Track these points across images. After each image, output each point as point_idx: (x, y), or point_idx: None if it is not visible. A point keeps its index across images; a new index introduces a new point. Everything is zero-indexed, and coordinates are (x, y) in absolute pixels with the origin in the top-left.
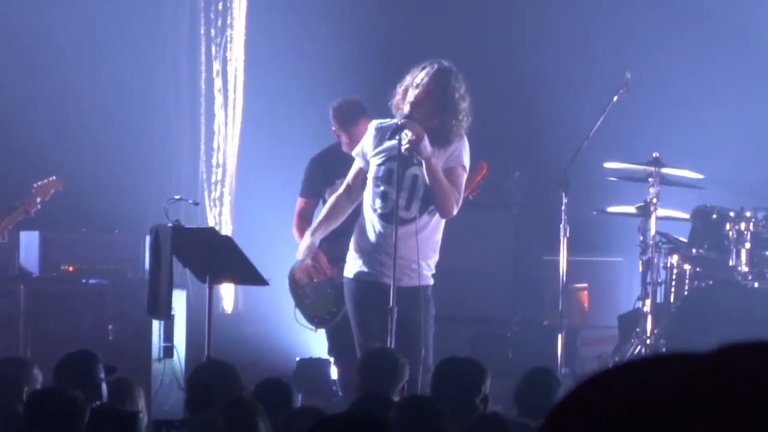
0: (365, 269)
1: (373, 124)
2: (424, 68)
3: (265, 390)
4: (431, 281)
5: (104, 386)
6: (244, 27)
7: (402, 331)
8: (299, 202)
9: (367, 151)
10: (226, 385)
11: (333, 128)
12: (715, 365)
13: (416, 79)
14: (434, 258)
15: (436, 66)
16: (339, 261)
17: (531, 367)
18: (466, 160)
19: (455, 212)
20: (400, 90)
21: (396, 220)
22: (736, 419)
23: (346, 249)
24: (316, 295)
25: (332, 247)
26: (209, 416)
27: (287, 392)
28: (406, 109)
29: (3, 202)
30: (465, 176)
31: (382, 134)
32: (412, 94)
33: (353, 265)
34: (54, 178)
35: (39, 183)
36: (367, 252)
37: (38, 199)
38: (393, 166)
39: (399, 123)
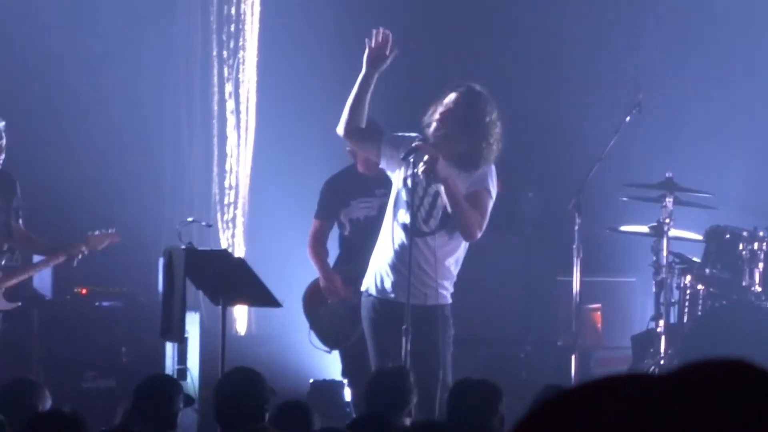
0: (383, 286)
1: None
2: (455, 92)
3: (283, 413)
4: (450, 300)
5: (179, 416)
6: (256, 48)
7: (419, 351)
8: (314, 224)
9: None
10: (254, 393)
11: (347, 148)
12: (672, 387)
13: (446, 99)
14: (451, 278)
15: (468, 87)
16: (354, 282)
17: (544, 386)
18: (492, 186)
19: (479, 235)
20: (432, 108)
21: (408, 236)
22: None
23: (360, 271)
24: (330, 317)
25: (346, 269)
26: None
27: (306, 414)
28: (434, 123)
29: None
30: (490, 201)
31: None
32: (441, 109)
33: (371, 282)
34: (113, 230)
35: (95, 232)
36: (386, 266)
37: (86, 250)
38: (414, 185)
39: (414, 145)
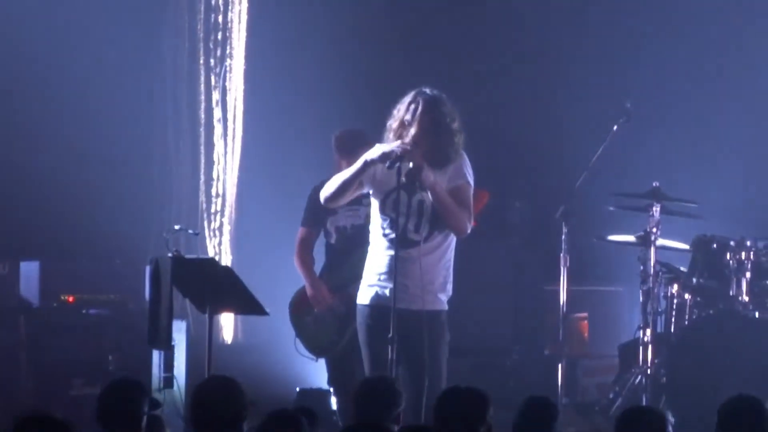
0: (378, 294)
1: (377, 148)
2: (412, 102)
3: (274, 422)
4: (445, 306)
5: (144, 420)
6: (243, 57)
7: (409, 358)
8: (301, 231)
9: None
10: (230, 402)
11: (335, 157)
12: None
13: (407, 115)
14: (450, 279)
15: (423, 99)
16: (340, 290)
17: (528, 396)
18: (470, 176)
19: (469, 229)
20: (393, 126)
21: (399, 242)
22: None
23: (347, 279)
24: (316, 325)
25: (332, 277)
26: None
27: (297, 424)
28: (404, 138)
29: None
30: (471, 191)
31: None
32: (409, 134)
33: (366, 291)
34: None
35: None
36: (380, 278)
37: None
38: (399, 195)
39: (398, 152)
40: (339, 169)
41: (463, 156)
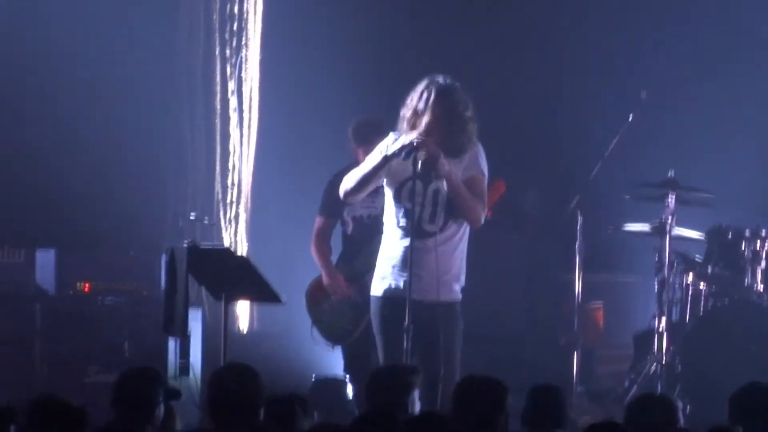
0: (392, 285)
1: (391, 136)
2: (424, 91)
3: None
4: (459, 296)
5: (161, 408)
6: (258, 46)
7: (424, 348)
8: (318, 220)
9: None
10: (246, 390)
11: (352, 146)
12: None
13: (419, 104)
14: (463, 269)
15: (436, 88)
16: (357, 279)
17: (531, 387)
18: (484, 166)
19: (483, 219)
20: (406, 114)
21: (415, 233)
22: None
23: (363, 268)
24: (333, 313)
25: (349, 266)
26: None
27: (294, 409)
28: (418, 129)
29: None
30: (486, 181)
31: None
32: (422, 123)
33: (381, 282)
34: None
35: None
36: (394, 269)
37: None
38: (414, 185)
39: (414, 143)
40: (356, 158)
41: (478, 146)
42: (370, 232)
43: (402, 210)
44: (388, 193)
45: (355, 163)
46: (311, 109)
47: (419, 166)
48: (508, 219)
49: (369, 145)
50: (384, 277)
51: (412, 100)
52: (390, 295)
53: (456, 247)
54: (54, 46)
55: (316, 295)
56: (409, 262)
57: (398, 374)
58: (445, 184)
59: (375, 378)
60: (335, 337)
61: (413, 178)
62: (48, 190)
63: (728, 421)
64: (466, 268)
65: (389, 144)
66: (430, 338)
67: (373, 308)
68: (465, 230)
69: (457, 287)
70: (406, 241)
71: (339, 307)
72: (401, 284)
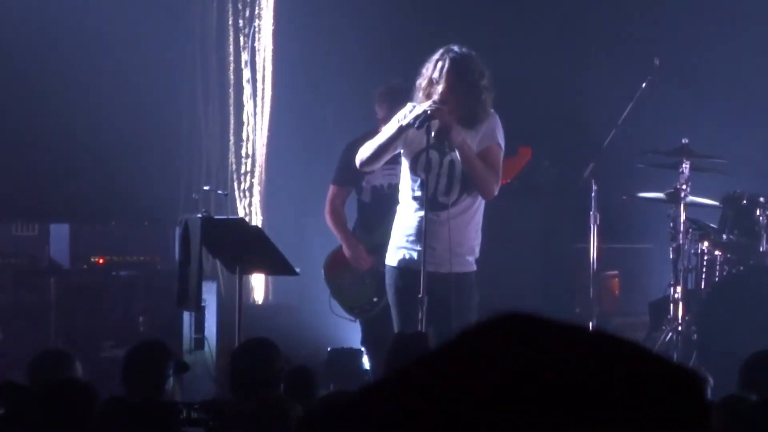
0: (407, 257)
1: (408, 106)
2: (439, 60)
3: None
4: (474, 267)
5: (170, 382)
6: (272, 17)
7: (444, 317)
8: (332, 189)
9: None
10: (269, 364)
11: (379, 114)
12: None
13: (434, 73)
14: (478, 241)
15: (451, 57)
16: (378, 250)
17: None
18: (501, 138)
19: (496, 192)
20: (422, 84)
21: (429, 205)
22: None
23: (385, 239)
24: (355, 286)
25: (370, 238)
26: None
27: (311, 380)
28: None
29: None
30: (501, 154)
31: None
32: (436, 92)
33: (396, 253)
34: None
35: None
36: (408, 240)
37: None
38: (430, 154)
39: (428, 111)
40: (382, 123)
41: (494, 117)
42: (388, 203)
43: (417, 181)
44: (405, 164)
45: (373, 131)
46: (324, 80)
47: (432, 135)
48: (523, 188)
49: (395, 111)
50: (399, 247)
51: (427, 69)
52: (404, 265)
53: (471, 219)
54: (66, 21)
55: (335, 267)
56: (423, 233)
57: (421, 340)
58: (457, 154)
59: (396, 343)
60: (358, 309)
61: (427, 148)
62: (61, 164)
63: (739, 387)
64: (481, 238)
65: (406, 113)
66: (444, 309)
67: (388, 278)
68: (480, 203)
69: (471, 258)
70: (421, 213)
71: (362, 279)
72: (415, 255)
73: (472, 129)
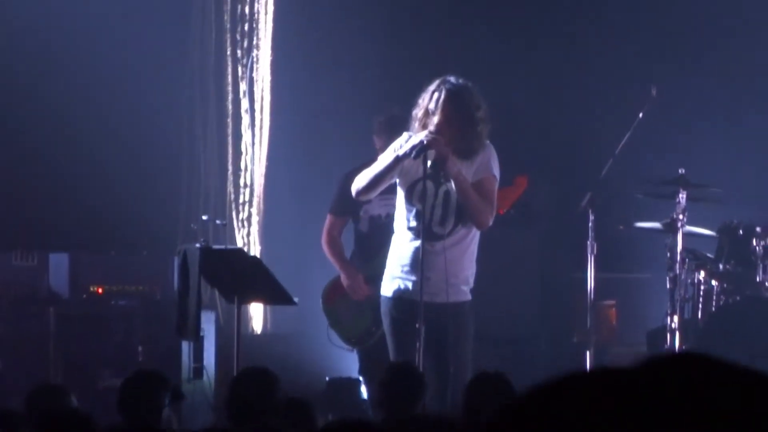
0: (402, 287)
1: (404, 136)
2: (435, 91)
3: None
4: (469, 296)
5: (166, 412)
6: (270, 47)
7: (435, 349)
8: (329, 219)
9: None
10: (267, 393)
11: (377, 144)
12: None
13: (431, 104)
14: (473, 270)
15: (447, 88)
16: (376, 280)
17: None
18: (496, 169)
19: (491, 223)
20: (418, 114)
21: (425, 235)
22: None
23: (382, 269)
24: (353, 315)
25: (368, 267)
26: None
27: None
28: (430, 128)
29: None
30: (496, 185)
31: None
32: (433, 123)
33: (391, 283)
34: None
35: None
36: (403, 270)
37: None
38: (425, 185)
39: (424, 142)
40: (380, 153)
41: (489, 148)
42: (386, 233)
43: (413, 211)
44: (400, 193)
45: (370, 161)
46: (322, 110)
47: (429, 165)
48: (520, 217)
49: (393, 140)
50: (394, 277)
51: (423, 100)
52: (400, 295)
53: (466, 249)
54: (66, 49)
55: (333, 297)
56: (420, 264)
57: (414, 370)
58: (453, 184)
59: (389, 375)
60: (356, 339)
61: (423, 178)
62: (61, 194)
63: None
64: (478, 267)
65: (402, 143)
66: (440, 339)
67: (383, 308)
68: (475, 233)
69: (466, 288)
70: (416, 243)
71: (360, 309)
72: (410, 286)
73: (467, 160)
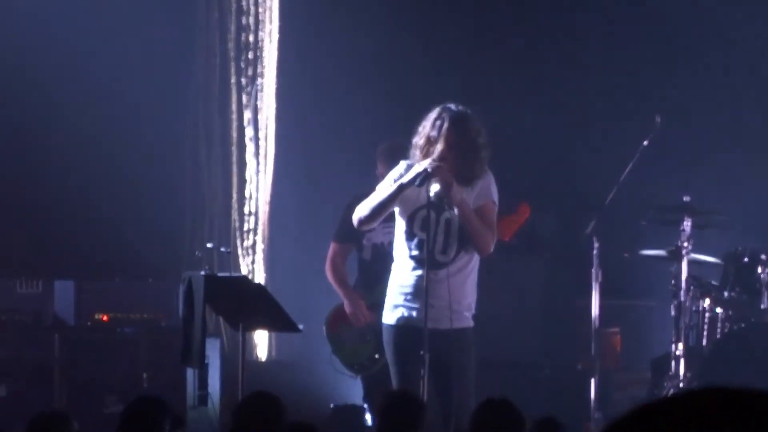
0: (405, 314)
1: (403, 164)
2: (437, 119)
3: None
4: (472, 323)
5: None
6: (274, 76)
7: (438, 376)
8: (333, 247)
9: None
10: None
11: (381, 171)
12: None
13: (432, 131)
14: (474, 297)
15: (450, 115)
16: (378, 307)
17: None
18: (495, 195)
19: (492, 248)
20: (419, 142)
21: (428, 264)
22: None
23: (385, 296)
24: (355, 342)
25: (371, 295)
26: None
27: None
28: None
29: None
30: (496, 210)
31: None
32: (435, 151)
33: (393, 311)
34: None
35: None
36: (406, 298)
37: None
38: (426, 213)
39: (429, 170)
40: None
41: (489, 174)
42: (388, 260)
43: (415, 240)
44: (400, 222)
45: (375, 188)
46: (327, 138)
47: (433, 194)
48: (525, 243)
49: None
50: (396, 305)
51: (425, 127)
52: (403, 323)
53: (468, 276)
54: (71, 75)
55: (336, 324)
56: (424, 292)
57: (412, 398)
58: (456, 212)
59: (388, 401)
60: (359, 366)
61: (427, 207)
62: (66, 221)
63: None
64: (483, 294)
65: (402, 172)
66: (444, 365)
67: (386, 336)
68: (476, 259)
69: (469, 314)
70: (419, 271)
71: (362, 336)
72: (414, 313)
73: (468, 186)
